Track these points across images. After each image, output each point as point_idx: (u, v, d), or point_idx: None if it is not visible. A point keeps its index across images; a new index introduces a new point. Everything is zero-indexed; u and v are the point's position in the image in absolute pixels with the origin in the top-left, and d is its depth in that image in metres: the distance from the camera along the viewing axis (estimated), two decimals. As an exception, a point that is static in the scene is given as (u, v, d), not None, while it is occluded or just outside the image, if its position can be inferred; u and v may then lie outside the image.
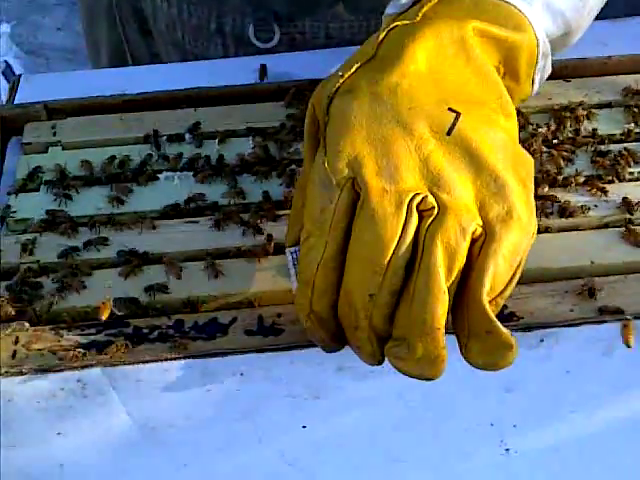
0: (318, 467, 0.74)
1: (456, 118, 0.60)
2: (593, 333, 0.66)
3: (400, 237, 0.57)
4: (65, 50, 3.44)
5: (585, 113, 0.84)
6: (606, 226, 0.74)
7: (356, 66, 0.64)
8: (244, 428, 0.70)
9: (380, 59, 0.64)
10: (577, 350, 0.67)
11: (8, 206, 0.78)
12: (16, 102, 0.91)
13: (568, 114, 0.83)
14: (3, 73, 3.02)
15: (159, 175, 0.80)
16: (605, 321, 0.66)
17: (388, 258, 0.57)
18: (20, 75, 0.95)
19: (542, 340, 0.66)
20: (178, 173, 0.81)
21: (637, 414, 0.72)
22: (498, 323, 0.57)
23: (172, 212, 0.77)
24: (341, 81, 0.63)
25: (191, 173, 0.80)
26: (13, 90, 0.93)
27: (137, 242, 0.74)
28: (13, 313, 0.68)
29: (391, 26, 0.66)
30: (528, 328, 0.66)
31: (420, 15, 0.67)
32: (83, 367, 0.64)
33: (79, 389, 0.65)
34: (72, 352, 0.64)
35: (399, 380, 0.67)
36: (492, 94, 0.64)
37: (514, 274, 0.58)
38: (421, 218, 0.58)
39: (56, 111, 0.87)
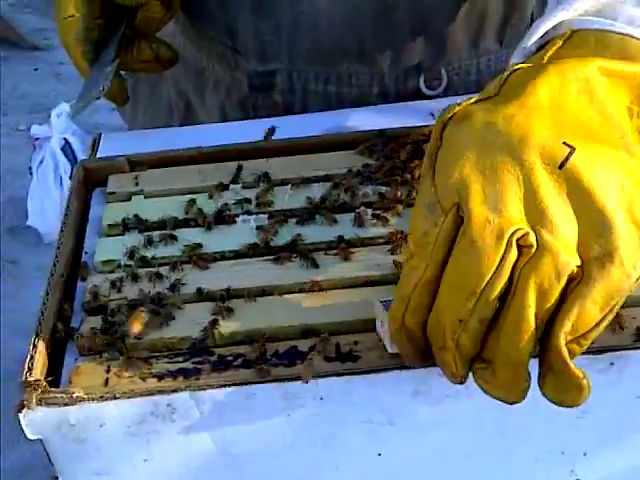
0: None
1: (570, 152, 0.60)
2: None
3: (496, 270, 0.58)
4: (119, 128, 3.60)
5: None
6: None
7: (476, 99, 0.65)
8: (322, 455, 0.73)
9: (501, 96, 0.64)
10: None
11: (95, 250, 0.83)
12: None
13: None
14: (62, 149, 3.16)
15: (236, 219, 0.85)
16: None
17: (481, 288, 0.58)
18: (100, 134, 1.02)
19: (612, 364, 0.68)
20: (254, 216, 0.85)
21: None
22: (571, 365, 0.59)
23: (251, 252, 0.81)
24: (457, 109, 0.64)
25: (266, 216, 0.85)
26: (94, 147, 0.99)
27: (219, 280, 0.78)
28: (104, 344, 0.73)
29: (514, 68, 0.66)
30: (598, 352, 0.68)
31: (545, 58, 0.68)
32: (173, 391, 0.67)
33: (168, 413, 0.68)
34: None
35: (472, 405, 0.70)
36: (615, 133, 0.63)
37: (604, 318, 0.59)
38: (519, 253, 0.59)
39: (138, 163, 0.93)
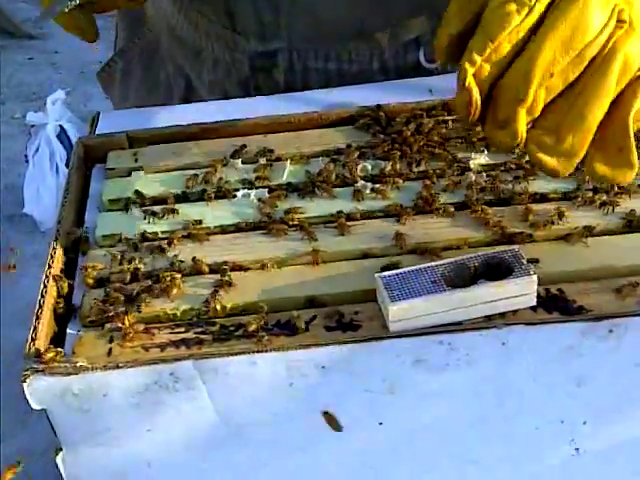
0: (392, 466, 0.76)
1: None
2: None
3: (598, 34, 0.63)
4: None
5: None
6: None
7: None
8: (324, 425, 0.73)
9: None
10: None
11: (97, 224, 0.84)
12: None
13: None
14: (58, 136, 3.15)
15: (236, 193, 0.85)
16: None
17: (585, 44, 0.63)
18: (99, 112, 1.02)
19: (611, 331, 0.69)
20: (254, 191, 0.85)
21: None
22: (632, 141, 0.65)
23: (251, 225, 0.81)
24: None
25: (266, 190, 0.85)
26: (93, 124, 0.99)
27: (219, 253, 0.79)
28: (106, 316, 0.73)
29: None
30: (597, 318, 0.68)
31: None
32: (176, 360, 0.68)
33: (171, 383, 0.69)
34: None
35: (473, 374, 0.71)
36: None
37: None
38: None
39: (137, 140, 0.93)
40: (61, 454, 0.73)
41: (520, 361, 0.70)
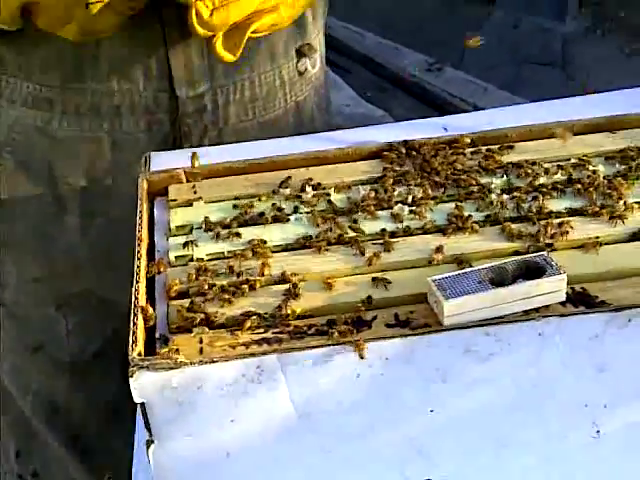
0: (439, 452, 0.87)
1: None
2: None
3: None
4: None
5: (632, 154, 1.02)
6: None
7: None
8: (383, 413, 0.84)
9: None
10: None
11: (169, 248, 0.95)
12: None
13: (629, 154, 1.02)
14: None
15: (289, 217, 0.97)
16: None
17: None
18: (150, 153, 1.14)
19: (630, 320, 0.81)
20: (305, 215, 0.97)
21: None
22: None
23: (307, 244, 0.93)
24: None
25: (315, 215, 0.97)
26: (146, 164, 1.11)
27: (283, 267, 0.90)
28: (193, 322, 0.84)
29: None
30: (617, 309, 0.81)
31: None
32: (263, 353, 0.79)
33: (257, 375, 0.80)
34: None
35: (513, 362, 0.82)
36: None
37: None
38: None
39: (194, 175, 1.05)
40: (152, 447, 0.83)
41: (553, 349, 0.82)
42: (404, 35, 4.21)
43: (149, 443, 0.83)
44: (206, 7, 1.03)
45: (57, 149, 1.21)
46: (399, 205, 0.98)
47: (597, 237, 0.90)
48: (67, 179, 1.22)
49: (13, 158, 1.24)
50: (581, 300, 0.83)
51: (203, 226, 0.97)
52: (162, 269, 0.92)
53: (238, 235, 0.95)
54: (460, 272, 0.83)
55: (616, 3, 4.89)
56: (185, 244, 0.94)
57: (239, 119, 1.23)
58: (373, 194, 0.99)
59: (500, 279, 0.82)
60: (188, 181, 1.05)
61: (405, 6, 4.84)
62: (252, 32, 1.10)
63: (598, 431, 0.89)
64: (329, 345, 0.80)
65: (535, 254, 0.84)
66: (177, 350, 0.79)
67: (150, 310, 0.86)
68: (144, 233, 0.96)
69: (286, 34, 1.23)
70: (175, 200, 1.02)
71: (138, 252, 0.91)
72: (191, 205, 1.01)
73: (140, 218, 0.97)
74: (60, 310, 1.30)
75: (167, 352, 0.80)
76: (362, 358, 0.79)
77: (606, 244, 0.90)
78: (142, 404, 0.81)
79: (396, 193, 1.00)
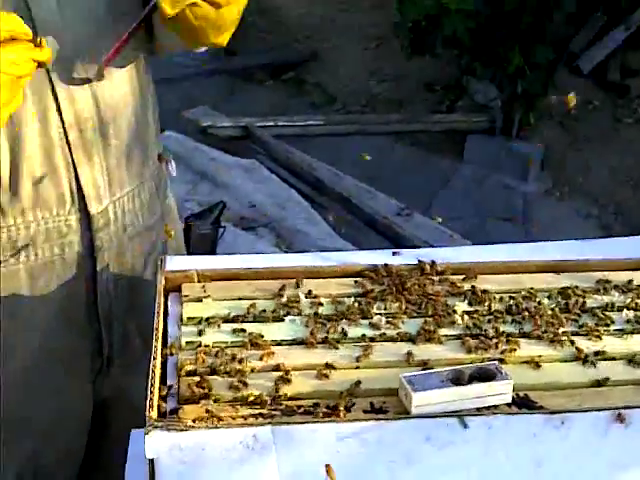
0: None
1: None
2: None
3: None
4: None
5: (571, 292, 1.22)
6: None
7: None
8: (354, 488, 0.99)
9: None
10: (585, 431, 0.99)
11: (180, 334, 1.11)
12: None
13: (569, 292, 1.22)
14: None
15: (285, 317, 1.15)
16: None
17: None
18: (165, 255, 1.32)
19: (563, 422, 0.99)
20: (299, 317, 1.15)
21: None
22: None
23: (299, 340, 1.10)
24: None
25: (307, 318, 1.15)
26: (162, 265, 1.29)
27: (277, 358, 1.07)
28: (201, 395, 0.99)
29: None
30: (553, 412, 0.98)
31: None
32: (260, 424, 0.94)
33: (252, 443, 0.95)
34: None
35: (467, 451, 0.98)
36: None
37: None
38: None
39: (204, 276, 1.23)
40: (156, 501, 0.96)
41: (499, 443, 0.99)
42: (379, 181, 4.50)
43: (153, 498, 0.97)
44: None
45: None
46: (378, 316, 1.16)
47: (539, 356, 1.09)
48: None
49: None
50: (524, 404, 1.00)
51: (210, 319, 1.14)
52: (174, 352, 1.08)
53: (241, 330, 1.12)
54: (426, 372, 1.01)
55: (576, 169, 5.26)
56: (195, 332, 1.11)
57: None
58: (357, 305, 1.18)
59: (459, 380, 0.99)
60: (199, 281, 1.23)
61: (383, 156, 5.17)
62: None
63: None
64: (314, 422, 0.96)
65: (488, 363, 1.02)
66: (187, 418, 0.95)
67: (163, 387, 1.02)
68: (160, 322, 1.12)
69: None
70: (187, 296, 1.19)
71: (155, 338, 1.08)
72: (201, 301, 1.18)
73: (157, 309, 1.14)
74: None
75: (178, 417, 0.96)
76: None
77: (546, 362, 1.09)
78: (152, 460, 0.95)
79: (375, 306, 1.18)
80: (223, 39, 1.27)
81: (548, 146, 5.55)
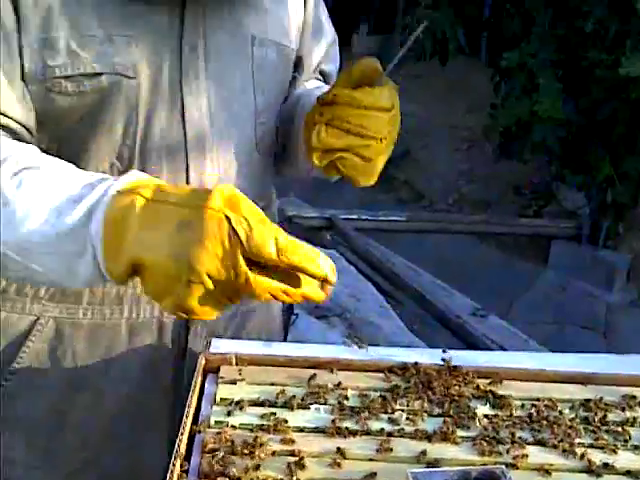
0: None
1: None
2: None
3: None
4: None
5: (593, 405, 1.24)
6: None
7: None
8: None
9: None
10: None
11: (211, 414, 1.19)
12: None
13: (592, 405, 1.24)
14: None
15: (310, 406, 1.22)
16: None
17: None
18: (212, 337, 1.41)
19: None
20: (323, 406, 1.22)
21: None
22: None
23: (321, 428, 1.17)
24: None
25: (332, 407, 1.21)
26: (207, 346, 1.38)
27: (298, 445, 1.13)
28: (222, 472, 1.07)
29: None
30: None
31: None
32: (267, 503, 1.01)
33: (260, 520, 1.01)
34: (259, 496, 1.02)
35: None
36: None
37: None
38: None
39: (242, 360, 1.31)
40: None
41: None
42: (458, 280, 4.55)
43: None
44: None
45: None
46: (398, 412, 1.21)
47: (551, 464, 1.12)
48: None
49: None
50: (527, 509, 1.03)
51: (241, 401, 1.22)
52: (202, 429, 1.16)
53: (268, 414, 1.19)
54: (434, 470, 1.05)
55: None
56: (225, 413, 1.19)
57: None
58: (380, 400, 1.23)
59: (464, 480, 1.04)
60: (236, 364, 1.31)
61: (465, 256, 5.21)
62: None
63: None
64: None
65: (494, 466, 1.06)
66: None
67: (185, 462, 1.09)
68: (194, 400, 1.21)
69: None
70: (223, 378, 1.28)
71: (186, 415, 1.16)
72: (235, 383, 1.26)
73: (194, 387, 1.23)
74: None
75: (196, 491, 1.03)
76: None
77: (555, 471, 1.11)
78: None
79: (398, 402, 1.24)
80: (371, 182, 1.36)
81: (636, 256, 5.48)
